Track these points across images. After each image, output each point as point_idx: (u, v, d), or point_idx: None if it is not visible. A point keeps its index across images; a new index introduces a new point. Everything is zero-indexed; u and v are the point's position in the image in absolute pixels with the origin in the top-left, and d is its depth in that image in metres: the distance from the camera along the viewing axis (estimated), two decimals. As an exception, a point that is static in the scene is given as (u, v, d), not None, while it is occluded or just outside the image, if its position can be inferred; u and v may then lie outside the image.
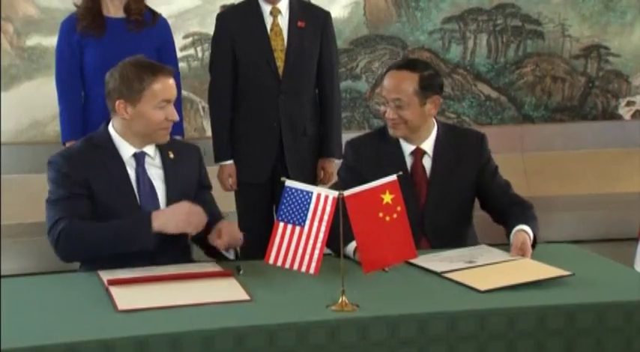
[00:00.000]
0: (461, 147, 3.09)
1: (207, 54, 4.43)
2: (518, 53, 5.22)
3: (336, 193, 2.34)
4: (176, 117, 2.79)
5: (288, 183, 2.38)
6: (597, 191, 4.92)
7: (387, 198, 2.37)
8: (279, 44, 3.69)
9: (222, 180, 3.79)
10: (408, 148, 3.07)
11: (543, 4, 5.15)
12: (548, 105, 5.29)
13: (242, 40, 3.69)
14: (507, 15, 5.15)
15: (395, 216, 2.37)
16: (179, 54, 4.80)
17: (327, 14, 3.87)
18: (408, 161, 3.07)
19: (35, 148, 4.70)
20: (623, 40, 5.21)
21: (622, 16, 5.19)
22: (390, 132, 3.05)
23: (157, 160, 2.83)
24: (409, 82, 2.99)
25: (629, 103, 5.30)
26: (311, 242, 2.35)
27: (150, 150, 2.82)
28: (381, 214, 2.36)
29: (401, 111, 2.99)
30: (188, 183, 2.87)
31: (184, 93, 4.91)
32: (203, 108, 5.03)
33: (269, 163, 3.74)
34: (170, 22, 3.93)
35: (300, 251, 2.35)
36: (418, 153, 3.07)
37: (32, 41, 4.83)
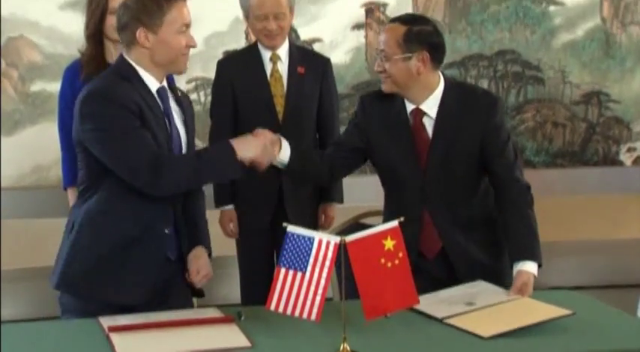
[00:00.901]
0: (468, 108, 2.96)
1: (210, 99, 4.45)
2: (518, 99, 5.24)
3: (337, 239, 2.34)
4: (195, 43, 2.76)
5: (290, 228, 2.38)
6: (599, 237, 4.90)
7: (389, 244, 2.37)
8: (279, 90, 3.71)
9: (223, 226, 3.79)
10: (409, 107, 2.99)
11: (543, 50, 5.19)
12: (549, 151, 5.30)
13: (242, 85, 3.71)
14: (508, 61, 5.18)
15: (397, 262, 2.36)
16: (182, 99, 4.84)
17: (327, 60, 3.89)
18: (411, 120, 2.99)
19: (36, 193, 4.71)
20: (623, 86, 5.23)
21: (622, 63, 5.22)
22: (382, 87, 2.99)
23: (171, 96, 2.83)
24: (393, 34, 2.91)
25: (629, 149, 5.31)
26: (312, 288, 2.34)
27: (165, 85, 2.81)
28: (382, 260, 2.36)
29: (385, 65, 2.92)
30: (192, 123, 2.89)
31: (186, 137, 4.93)
32: (206, 152, 5.04)
33: (269, 208, 3.74)
34: (173, 67, 3.95)
35: (301, 297, 2.34)
36: (417, 114, 2.98)
37: (36, 86, 4.86)
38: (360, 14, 5.11)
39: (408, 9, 5.07)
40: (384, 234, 2.36)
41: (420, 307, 2.61)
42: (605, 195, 5.17)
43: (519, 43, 5.16)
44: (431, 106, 2.97)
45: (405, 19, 2.97)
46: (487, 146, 2.95)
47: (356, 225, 3.27)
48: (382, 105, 3.04)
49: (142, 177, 2.61)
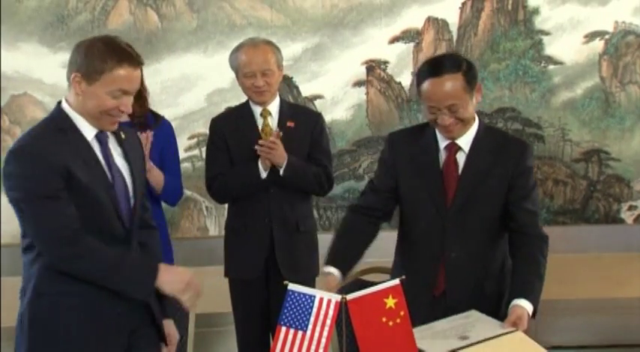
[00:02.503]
0: (499, 152, 2.98)
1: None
2: (519, 156, 5.24)
3: (338, 297, 2.33)
4: (129, 110, 2.62)
5: (291, 286, 2.37)
6: (600, 295, 4.86)
7: (390, 302, 2.36)
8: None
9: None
10: (443, 142, 2.98)
11: (543, 108, 5.22)
12: (550, 208, 5.30)
13: (235, 140, 3.77)
14: (508, 119, 5.21)
15: (398, 321, 2.35)
16: (184, 154, 4.86)
17: (317, 115, 3.95)
18: (442, 155, 2.99)
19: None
20: (623, 145, 5.25)
21: (621, 122, 5.25)
22: (446, 136, 2.95)
23: (113, 139, 2.71)
24: (457, 83, 2.86)
25: (630, 208, 5.31)
26: (313, 347, 2.33)
27: None
28: (384, 319, 2.35)
29: (457, 114, 2.89)
30: (141, 163, 2.78)
31: (188, 192, 4.94)
32: (207, 207, 5.05)
33: (261, 259, 3.74)
34: (176, 123, 3.99)
35: (302, 357, 2.33)
36: (452, 148, 2.98)
37: (39, 143, 4.89)
38: (361, 71, 5.16)
39: (409, 67, 5.13)
40: (385, 293, 2.36)
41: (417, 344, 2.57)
42: (607, 254, 5.15)
43: (519, 100, 5.19)
44: (466, 142, 2.99)
45: (449, 67, 2.89)
46: (515, 188, 2.96)
47: (357, 282, 3.25)
48: (412, 142, 3.05)
49: (55, 252, 2.55)
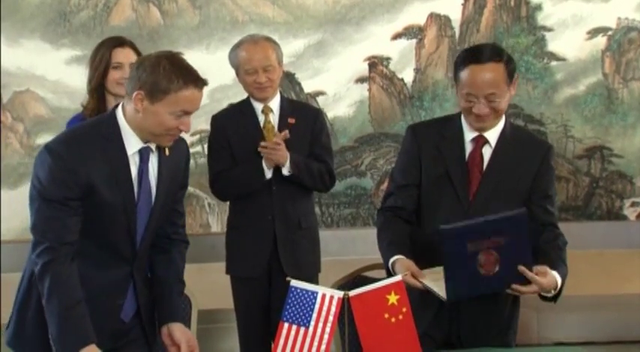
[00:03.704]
0: (525, 150, 2.97)
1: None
2: (521, 152, 5.24)
3: (341, 293, 2.33)
4: (188, 129, 2.60)
5: (293, 282, 2.38)
6: (603, 292, 4.86)
7: (393, 298, 2.37)
8: (272, 140, 3.74)
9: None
10: (470, 135, 2.96)
11: (545, 105, 5.22)
12: (552, 205, 5.31)
13: (236, 137, 3.77)
14: (510, 115, 5.20)
15: (400, 317, 2.36)
16: (186, 151, 4.85)
17: (317, 111, 3.95)
18: (468, 147, 2.96)
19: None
20: (625, 141, 5.25)
21: (624, 118, 5.24)
22: (476, 126, 2.91)
23: (155, 156, 2.68)
24: (499, 73, 2.84)
25: (633, 204, 5.31)
26: (315, 343, 2.33)
27: (152, 145, 2.66)
28: (386, 315, 2.35)
29: (494, 104, 2.86)
30: (174, 183, 2.75)
31: (190, 189, 4.94)
32: (209, 204, 5.05)
33: (263, 257, 3.75)
34: (178, 120, 3.97)
35: (304, 353, 2.33)
36: (480, 141, 2.96)
37: (42, 140, 4.88)
38: (363, 68, 5.15)
39: (411, 63, 5.13)
40: (387, 289, 2.36)
41: (427, 282, 2.57)
42: (610, 250, 5.14)
43: (522, 97, 5.19)
44: (494, 136, 2.97)
45: (492, 56, 2.88)
46: (538, 187, 2.96)
47: (359, 279, 3.26)
48: (436, 132, 3.02)
49: (35, 251, 2.54)
